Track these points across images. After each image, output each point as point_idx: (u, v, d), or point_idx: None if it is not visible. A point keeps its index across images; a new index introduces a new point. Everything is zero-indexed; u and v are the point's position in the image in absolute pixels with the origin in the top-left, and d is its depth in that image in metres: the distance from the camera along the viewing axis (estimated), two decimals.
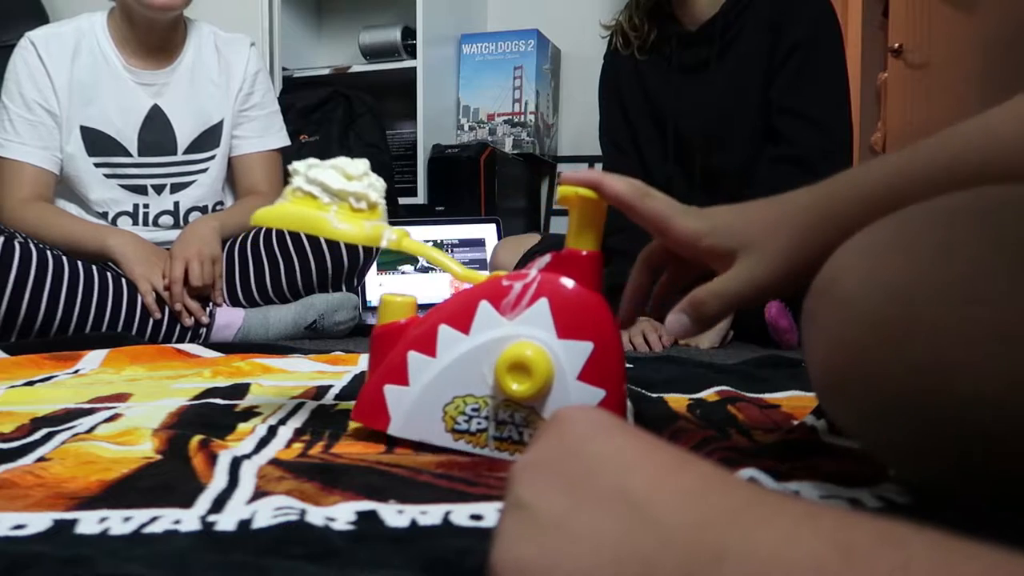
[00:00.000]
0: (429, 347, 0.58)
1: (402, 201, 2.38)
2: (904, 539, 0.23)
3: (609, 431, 0.31)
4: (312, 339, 1.52)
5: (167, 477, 0.51)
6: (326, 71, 2.48)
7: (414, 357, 0.58)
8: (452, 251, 2.18)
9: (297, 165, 0.59)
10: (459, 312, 0.57)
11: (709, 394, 0.82)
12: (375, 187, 0.60)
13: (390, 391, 0.59)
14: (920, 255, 0.38)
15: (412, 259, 2.11)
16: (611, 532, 0.27)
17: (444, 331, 0.57)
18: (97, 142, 1.55)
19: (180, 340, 1.43)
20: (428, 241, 2.18)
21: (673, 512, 0.26)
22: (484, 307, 0.56)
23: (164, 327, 1.44)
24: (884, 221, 0.42)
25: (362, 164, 0.60)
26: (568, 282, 0.56)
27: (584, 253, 0.56)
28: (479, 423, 0.57)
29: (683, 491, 0.27)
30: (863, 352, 0.39)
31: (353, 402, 0.61)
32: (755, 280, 0.51)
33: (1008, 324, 0.34)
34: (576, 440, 0.31)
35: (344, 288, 1.61)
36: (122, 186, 1.58)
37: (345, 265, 1.56)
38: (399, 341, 0.59)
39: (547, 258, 0.57)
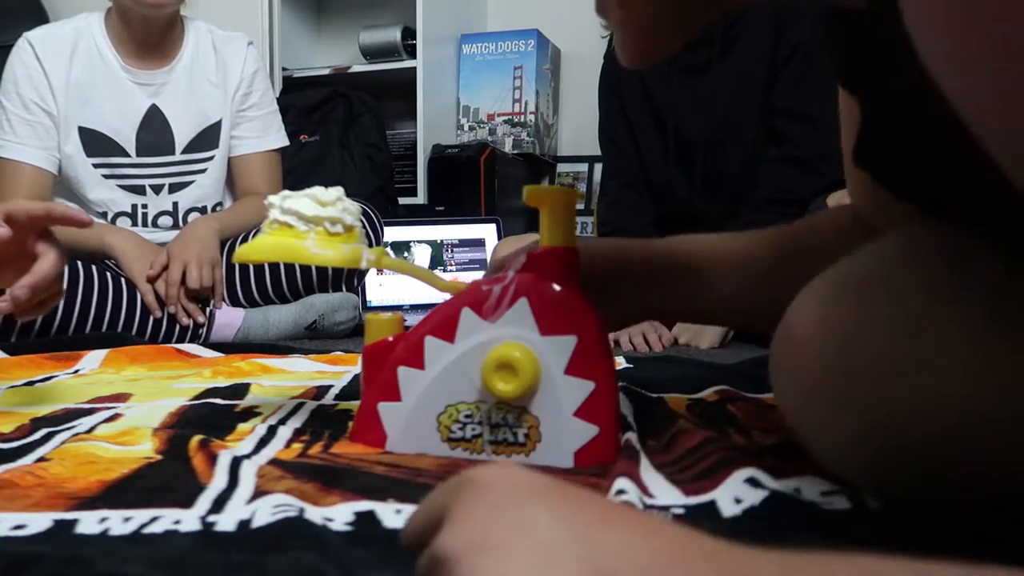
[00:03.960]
0: (417, 360, 0.58)
1: (402, 201, 2.37)
2: (880, 571, 0.23)
3: (538, 494, 0.27)
4: (312, 339, 1.52)
5: (167, 477, 0.51)
6: (326, 71, 2.48)
7: (404, 372, 0.59)
8: (452, 251, 2.18)
9: (272, 198, 0.60)
10: (443, 322, 0.58)
11: (709, 394, 0.82)
12: (350, 211, 0.61)
13: (384, 408, 0.59)
14: (867, 301, 0.40)
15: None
16: None
17: (430, 342, 0.58)
18: (95, 142, 1.55)
19: (180, 340, 1.43)
20: (428, 241, 2.18)
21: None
22: (466, 314, 0.57)
23: (164, 327, 1.44)
24: (837, 268, 0.44)
25: (335, 190, 0.61)
26: (546, 279, 0.56)
27: (559, 249, 0.57)
28: (474, 429, 0.58)
29: (655, 553, 0.24)
30: (821, 399, 0.42)
31: (353, 402, 0.62)
32: None
33: (946, 364, 0.36)
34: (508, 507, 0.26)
35: (344, 288, 1.61)
36: (120, 186, 1.57)
37: None
38: (388, 358, 0.59)
39: (522, 258, 0.58)
